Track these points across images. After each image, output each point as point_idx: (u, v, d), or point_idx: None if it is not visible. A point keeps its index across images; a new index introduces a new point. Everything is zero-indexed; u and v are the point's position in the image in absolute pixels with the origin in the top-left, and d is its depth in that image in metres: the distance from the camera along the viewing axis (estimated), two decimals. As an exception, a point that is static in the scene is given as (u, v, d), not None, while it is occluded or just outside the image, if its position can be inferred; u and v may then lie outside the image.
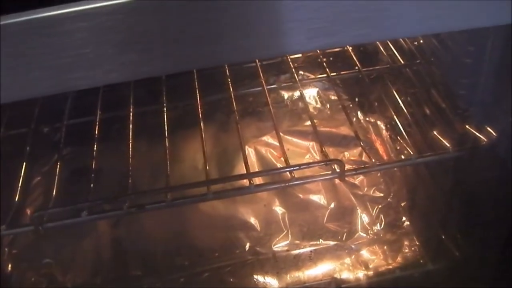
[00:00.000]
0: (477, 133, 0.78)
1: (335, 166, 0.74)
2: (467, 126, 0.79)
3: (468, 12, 0.47)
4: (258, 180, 0.93)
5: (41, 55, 0.42)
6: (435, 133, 0.86)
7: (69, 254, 0.92)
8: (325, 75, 0.98)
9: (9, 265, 0.91)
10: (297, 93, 1.14)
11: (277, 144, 1.03)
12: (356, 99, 1.12)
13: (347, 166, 0.75)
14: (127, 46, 0.43)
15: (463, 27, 0.51)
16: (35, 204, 0.99)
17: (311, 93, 1.14)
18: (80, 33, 0.42)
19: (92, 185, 0.78)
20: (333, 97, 1.13)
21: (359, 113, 1.10)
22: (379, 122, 1.08)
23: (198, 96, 0.90)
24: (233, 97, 0.90)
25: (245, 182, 0.85)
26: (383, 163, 0.84)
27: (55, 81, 0.44)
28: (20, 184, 0.79)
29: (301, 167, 0.75)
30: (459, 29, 0.51)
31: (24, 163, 0.82)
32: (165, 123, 0.86)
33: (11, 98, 0.45)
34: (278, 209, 0.95)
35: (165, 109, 0.89)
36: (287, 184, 0.72)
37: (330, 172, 0.74)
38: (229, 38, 0.43)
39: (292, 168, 0.73)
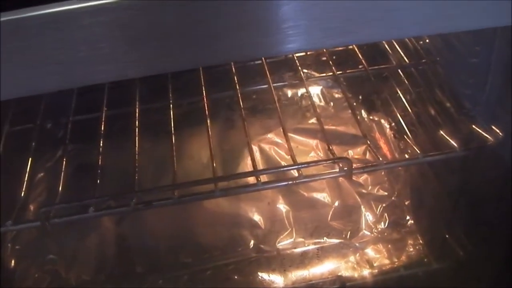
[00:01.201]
0: (483, 133, 0.78)
1: (342, 164, 0.74)
2: (473, 126, 0.79)
3: (471, 13, 0.48)
4: (263, 178, 0.93)
5: (56, 50, 0.42)
6: (440, 132, 0.86)
7: (72, 250, 0.92)
8: (330, 73, 0.98)
9: (13, 261, 0.91)
10: (301, 91, 1.14)
11: (281, 142, 1.05)
12: (360, 98, 1.12)
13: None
14: (142, 42, 0.43)
15: (466, 28, 0.51)
16: (39, 200, 0.99)
17: (314, 91, 1.14)
18: (96, 28, 0.42)
19: (98, 182, 0.77)
20: (337, 95, 1.13)
21: (362, 111, 1.10)
22: (382, 121, 1.08)
23: (204, 93, 0.90)
24: (239, 95, 0.90)
25: (251, 179, 0.85)
26: (390, 161, 0.84)
27: (69, 76, 0.44)
28: (26, 180, 0.79)
29: (310, 164, 0.75)
30: (463, 29, 0.51)
31: (30, 159, 0.82)
32: (171, 120, 0.86)
33: (24, 92, 0.45)
34: (282, 207, 0.95)
35: (171, 106, 0.89)
36: (295, 181, 0.72)
37: (338, 170, 0.74)
38: (245, 34, 0.43)
39: (299, 166, 0.73)
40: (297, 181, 0.72)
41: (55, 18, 0.41)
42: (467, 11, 0.47)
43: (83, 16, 0.41)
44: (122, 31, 0.42)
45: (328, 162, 0.75)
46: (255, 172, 0.73)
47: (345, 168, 0.73)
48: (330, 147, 0.78)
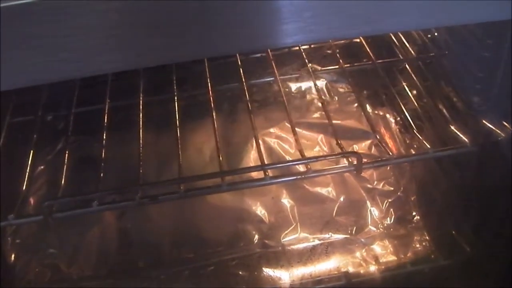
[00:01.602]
0: (493, 128, 0.77)
1: (352, 158, 0.72)
2: (483, 121, 0.78)
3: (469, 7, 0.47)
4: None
5: (69, 37, 0.40)
6: (448, 127, 0.85)
7: (73, 245, 0.90)
8: (337, 66, 0.97)
9: (13, 255, 0.89)
10: (304, 85, 1.12)
11: (286, 136, 1.03)
12: (365, 92, 1.10)
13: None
14: (158, 29, 0.41)
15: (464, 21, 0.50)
16: (39, 194, 0.97)
17: (319, 85, 1.12)
18: (111, 14, 0.40)
19: (102, 175, 0.76)
20: (341, 90, 1.12)
21: (367, 106, 1.08)
22: (388, 116, 1.06)
23: (210, 86, 0.88)
24: (245, 88, 0.88)
25: (255, 173, 0.84)
26: (400, 156, 0.82)
27: (83, 63, 0.42)
28: (27, 173, 0.77)
29: (319, 159, 0.74)
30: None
31: (32, 151, 0.80)
32: (176, 113, 0.85)
33: (37, 81, 0.43)
34: (287, 202, 0.94)
35: (175, 98, 0.87)
36: (304, 176, 0.71)
37: (347, 164, 0.72)
38: (265, 23, 0.41)
39: (309, 160, 0.72)
40: (306, 176, 0.71)
41: (68, 4, 0.39)
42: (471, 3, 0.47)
43: (97, 2, 0.39)
44: (137, 18, 0.40)
45: (338, 156, 0.73)
46: (264, 166, 0.72)
47: (355, 163, 0.72)
48: (339, 141, 0.77)
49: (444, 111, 0.89)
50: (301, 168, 0.90)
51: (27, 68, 0.42)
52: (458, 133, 0.81)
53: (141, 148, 0.79)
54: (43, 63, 0.41)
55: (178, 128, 0.81)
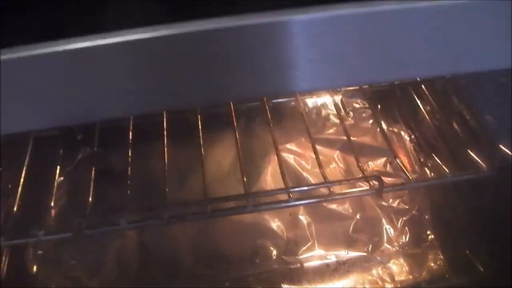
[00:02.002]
0: (510, 153, 0.78)
1: (373, 182, 0.74)
2: (500, 146, 0.80)
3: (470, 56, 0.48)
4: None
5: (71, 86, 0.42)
6: (463, 148, 0.87)
7: (94, 257, 0.91)
8: (356, 87, 0.98)
9: (34, 267, 0.91)
10: (320, 101, 1.14)
11: (302, 152, 1.05)
12: (379, 109, 1.12)
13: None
14: (163, 78, 0.43)
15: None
16: (59, 204, 0.98)
17: (334, 101, 1.14)
18: (118, 64, 0.41)
19: (128, 192, 0.77)
20: (356, 105, 1.14)
21: (382, 123, 1.10)
22: (402, 133, 1.08)
23: (231, 102, 0.90)
24: (266, 106, 0.90)
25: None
26: (420, 180, 0.84)
27: (121, 105, 0.44)
28: (55, 189, 0.79)
29: (342, 182, 0.75)
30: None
31: (58, 167, 0.82)
32: (199, 129, 0.86)
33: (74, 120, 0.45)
34: (304, 219, 0.95)
35: (199, 116, 0.89)
36: (327, 199, 0.72)
37: (368, 188, 0.74)
38: (311, 66, 0.43)
39: (331, 184, 0.73)
40: (329, 199, 0.73)
41: (75, 54, 0.40)
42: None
43: (101, 52, 0.41)
44: (146, 67, 0.42)
45: (360, 179, 0.75)
46: (288, 189, 0.74)
47: (376, 187, 0.74)
48: (360, 164, 0.78)
49: (460, 132, 0.91)
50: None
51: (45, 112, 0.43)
52: (475, 157, 0.82)
53: (166, 166, 0.80)
54: (84, 104, 0.43)
55: (202, 148, 0.82)
